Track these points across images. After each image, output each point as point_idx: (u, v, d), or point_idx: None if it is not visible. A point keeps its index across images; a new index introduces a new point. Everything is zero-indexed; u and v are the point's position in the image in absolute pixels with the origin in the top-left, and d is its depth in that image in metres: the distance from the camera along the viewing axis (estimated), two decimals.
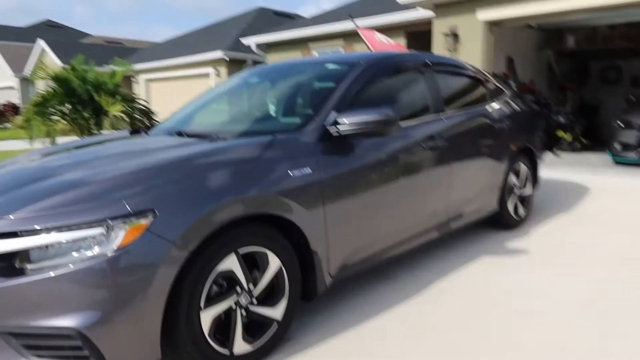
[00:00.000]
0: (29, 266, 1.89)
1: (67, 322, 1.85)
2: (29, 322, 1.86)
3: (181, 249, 2.00)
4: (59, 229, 1.90)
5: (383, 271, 3.46)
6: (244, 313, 2.30)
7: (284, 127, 2.90)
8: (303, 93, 3.34)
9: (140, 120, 8.00)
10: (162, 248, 1.96)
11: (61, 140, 7.88)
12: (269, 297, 2.42)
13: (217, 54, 16.27)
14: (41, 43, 24.59)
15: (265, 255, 2.35)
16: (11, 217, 1.95)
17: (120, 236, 1.91)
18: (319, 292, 2.62)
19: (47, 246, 1.89)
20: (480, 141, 3.92)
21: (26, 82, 26.64)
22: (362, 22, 10.65)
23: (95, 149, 3.01)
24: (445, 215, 3.54)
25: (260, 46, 14.57)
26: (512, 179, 4.39)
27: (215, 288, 2.21)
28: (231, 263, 2.21)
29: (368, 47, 7.28)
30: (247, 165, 2.34)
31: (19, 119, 14.90)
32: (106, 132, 7.58)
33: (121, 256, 1.89)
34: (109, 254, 1.88)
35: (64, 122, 7.70)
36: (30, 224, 1.91)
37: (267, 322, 2.39)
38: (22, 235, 1.90)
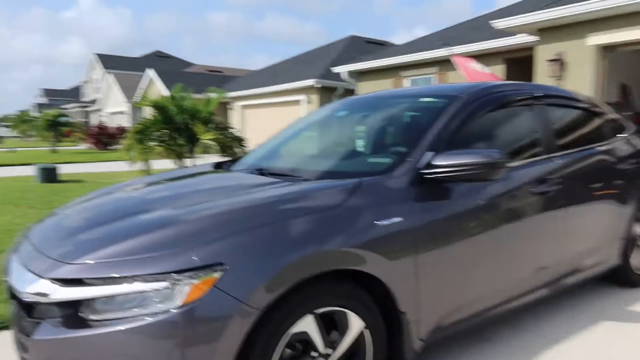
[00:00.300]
0: (92, 317, 1.76)
1: None
2: None
3: (251, 309, 1.78)
4: (123, 279, 1.75)
5: (479, 331, 3.02)
6: None
7: (372, 168, 2.62)
8: (394, 129, 3.05)
9: (230, 147, 8.13)
10: (230, 307, 1.75)
11: (157, 164, 8.24)
12: None
13: (309, 82, 16.49)
14: (149, 72, 26.53)
15: (346, 316, 2.06)
16: (78, 262, 1.84)
17: (185, 292, 1.72)
18: (406, 358, 2.27)
19: (110, 297, 1.75)
20: (599, 184, 3.38)
21: (135, 107, 28.91)
22: (458, 50, 10.20)
23: (175, 185, 2.92)
24: (556, 270, 3.04)
25: (351, 74, 14.53)
26: (637, 228, 3.75)
27: (288, 351, 1.96)
28: (307, 325, 1.95)
29: (463, 75, 6.86)
30: (328, 213, 2.08)
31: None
32: (195, 162, 7.77)
33: (185, 314, 1.70)
34: (173, 311, 1.70)
35: (161, 148, 8.01)
36: (95, 272, 1.79)
37: None
38: (87, 284, 1.78)
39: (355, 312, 2.07)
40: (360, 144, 3.05)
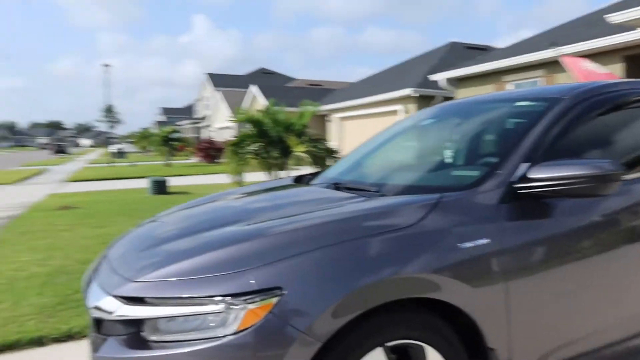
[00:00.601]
0: (153, 337, 1.70)
1: None
2: None
3: (311, 339, 1.61)
4: (180, 300, 1.68)
5: None
6: None
7: (457, 182, 2.35)
8: (484, 138, 2.74)
9: (323, 158, 8.10)
10: (288, 337, 1.59)
11: (251, 176, 8.44)
12: None
13: (406, 91, 16.14)
14: (252, 88, 27.75)
15: (422, 350, 1.82)
16: (140, 280, 1.80)
17: (240, 317, 1.60)
18: None
19: (169, 318, 1.68)
20: None
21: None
22: (567, 49, 9.32)
23: (248, 201, 2.84)
24: None
25: (450, 81, 13.96)
26: None
27: None
28: (376, 359, 1.74)
29: (575, 77, 6.19)
30: (400, 234, 1.85)
31: None
32: (288, 174, 7.82)
33: (239, 341, 1.58)
34: (228, 337, 1.59)
35: (255, 160, 8.20)
36: (154, 292, 1.73)
37: None
38: (147, 303, 1.73)
39: (434, 347, 1.82)
40: (446, 155, 2.77)
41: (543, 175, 1.99)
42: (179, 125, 50.80)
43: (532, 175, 2.01)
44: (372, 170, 3.03)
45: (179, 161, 29.64)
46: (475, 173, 2.22)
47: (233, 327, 1.60)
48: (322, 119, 22.90)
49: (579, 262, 2.12)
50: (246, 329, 1.59)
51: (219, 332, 1.61)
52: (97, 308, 1.86)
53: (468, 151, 2.72)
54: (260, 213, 2.39)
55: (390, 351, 1.76)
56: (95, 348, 1.82)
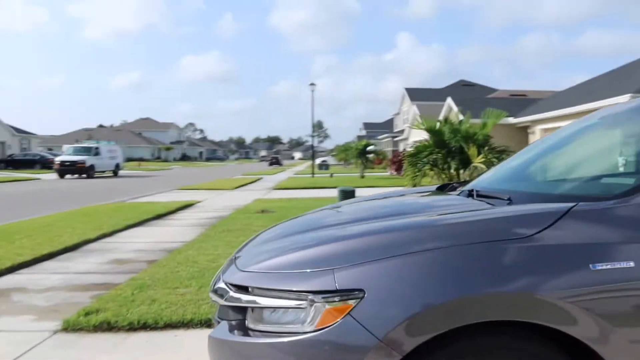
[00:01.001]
0: (251, 325, 1.76)
1: None
2: None
3: (389, 349, 1.48)
4: (271, 292, 1.71)
5: None
6: None
7: (603, 192, 1.91)
8: None
9: None
10: (363, 342, 1.49)
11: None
12: None
13: (623, 97, 13.90)
14: (449, 100, 27.12)
15: None
16: (247, 270, 1.89)
17: (318, 315, 1.56)
18: None
19: (263, 308, 1.73)
20: None
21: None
22: None
23: (374, 205, 2.75)
24: None
25: None
26: None
27: None
28: None
29: None
30: (514, 245, 1.58)
31: None
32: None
33: (314, 340, 1.54)
34: (307, 333, 1.56)
35: (432, 172, 7.97)
36: (254, 282, 1.80)
37: None
38: (249, 292, 1.81)
39: None
40: (601, 165, 2.27)
41: None
42: (378, 139, 52.50)
43: None
44: (513, 178, 2.65)
45: (374, 173, 30.60)
46: (629, 181, 1.78)
47: (312, 325, 1.56)
48: (524, 131, 21.19)
49: None
50: (323, 328, 1.54)
51: (299, 328, 1.59)
52: (214, 292, 2.01)
53: (629, 158, 2.18)
54: (375, 215, 2.30)
55: None
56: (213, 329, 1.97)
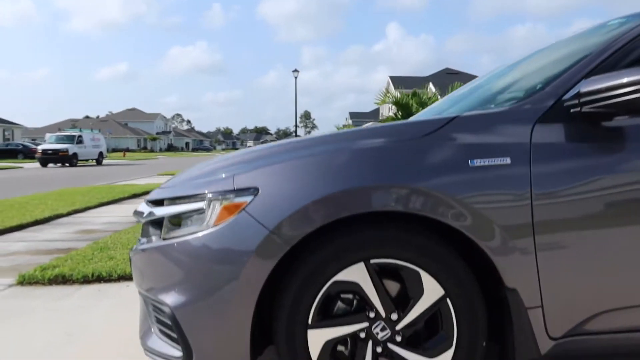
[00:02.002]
0: (164, 237, 1.85)
1: (167, 297, 1.71)
2: (155, 293, 1.80)
3: (280, 240, 1.58)
4: (181, 200, 1.80)
5: None
6: (379, 350, 1.65)
7: (500, 103, 2.03)
8: (551, 64, 2.24)
9: None
10: (256, 234, 1.59)
11: None
12: (426, 340, 1.68)
13: None
14: (430, 86, 27.29)
15: (417, 276, 1.63)
16: (163, 186, 1.98)
17: (216, 213, 1.66)
18: (517, 358, 1.65)
19: (172, 216, 1.81)
20: None
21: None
22: None
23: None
24: None
25: None
26: None
27: (340, 306, 1.67)
28: (357, 274, 1.62)
29: None
30: (400, 145, 1.70)
31: None
32: None
33: (212, 235, 1.64)
34: (202, 231, 1.66)
35: None
36: (168, 193, 1.88)
37: None
38: (163, 205, 1.89)
39: (431, 273, 1.62)
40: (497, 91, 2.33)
41: (601, 85, 1.60)
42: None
43: (587, 88, 1.64)
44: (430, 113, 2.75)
45: None
46: (519, 95, 1.89)
47: (210, 222, 1.66)
48: None
49: None
50: (221, 223, 1.63)
51: (200, 227, 1.68)
52: (135, 213, 2.09)
53: (525, 80, 2.26)
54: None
55: (377, 269, 1.63)
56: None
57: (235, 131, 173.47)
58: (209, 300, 1.61)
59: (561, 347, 1.66)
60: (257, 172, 1.71)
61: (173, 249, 1.71)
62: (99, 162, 31.08)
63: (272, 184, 1.65)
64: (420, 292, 1.63)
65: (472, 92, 2.48)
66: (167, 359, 1.76)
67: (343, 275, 1.62)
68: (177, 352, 1.72)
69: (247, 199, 1.64)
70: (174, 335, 1.71)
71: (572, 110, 1.67)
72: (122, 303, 3.22)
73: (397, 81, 43.58)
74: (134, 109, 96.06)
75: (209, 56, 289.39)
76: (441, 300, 1.63)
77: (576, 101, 1.65)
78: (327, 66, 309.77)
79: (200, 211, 1.71)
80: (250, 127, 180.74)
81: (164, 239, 1.79)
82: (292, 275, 1.62)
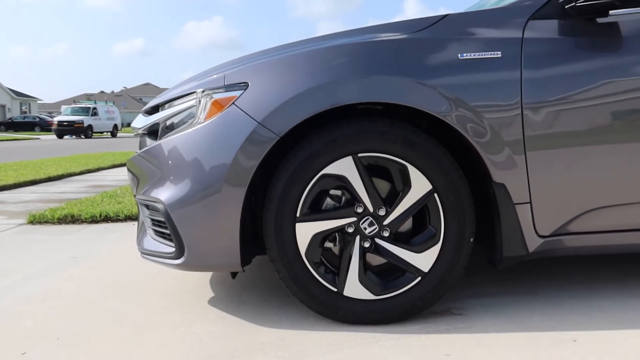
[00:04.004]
0: (161, 138, 1.87)
1: (161, 194, 1.74)
2: (149, 193, 1.83)
3: (269, 131, 1.60)
4: (175, 101, 1.83)
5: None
6: (366, 245, 1.67)
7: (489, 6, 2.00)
8: None
9: None
10: (245, 126, 1.61)
11: None
12: (414, 235, 1.70)
13: None
14: None
15: (405, 170, 1.64)
16: (160, 96, 2.00)
17: (207, 108, 1.68)
18: (505, 254, 1.66)
19: (167, 117, 1.84)
20: None
21: None
22: None
23: None
24: None
25: None
26: None
27: (329, 201, 1.69)
28: (345, 168, 1.63)
29: None
30: (389, 41, 1.69)
31: None
32: None
33: (203, 130, 1.66)
34: (194, 127, 1.68)
35: None
36: (161, 99, 1.91)
37: (405, 270, 1.67)
38: (159, 110, 1.92)
39: (418, 167, 1.62)
40: None
41: None
42: None
43: None
44: None
45: None
46: None
47: (201, 118, 1.68)
48: None
49: None
50: (212, 117, 1.65)
51: (192, 124, 1.70)
52: (132, 127, 2.12)
53: None
54: None
55: (365, 164, 1.64)
56: None
57: None
58: (201, 194, 1.64)
59: (549, 244, 1.66)
60: (247, 67, 1.72)
61: (167, 146, 1.74)
62: (113, 134, 31.40)
63: (261, 79, 1.66)
64: (408, 186, 1.64)
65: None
66: (161, 256, 1.80)
67: (331, 169, 1.63)
68: (170, 249, 1.76)
69: (237, 93, 1.65)
70: (168, 232, 1.75)
71: (567, 6, 1.64)
72: (127, 237, 3.29)
73: None
74: (148, 84, 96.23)
75: (225, 31, 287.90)
76: (429, 195, 1.64)
77: None
78: None
79: (192, 109, 1.73)
80: None
81: (165, 136, 1.81)
82: (281, 169, 1.64)
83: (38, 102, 52.91)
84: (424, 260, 1.65)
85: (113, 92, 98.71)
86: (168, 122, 1.83)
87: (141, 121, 2.02)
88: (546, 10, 1.67)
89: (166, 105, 1.86)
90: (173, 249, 1.74)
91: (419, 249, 1.66)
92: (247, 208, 1.70)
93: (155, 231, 1.87)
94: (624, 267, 2.23)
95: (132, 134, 36.16)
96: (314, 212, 1.67)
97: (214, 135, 1.64)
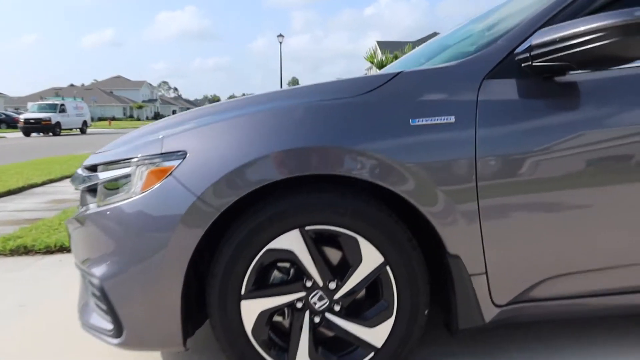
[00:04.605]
0: (98, 204, 1.75)
1: (96, 268, 1.62)
2: (87, 264, 1.71)
3: (207, 207, 1.49)
4: (112, 166, 1.70)
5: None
6: (316, 320, 1.58)
7: (454, 58, 1.92)
8: (511, 17, 2.14)
9: None
10: (183, 201, 1.50)
11: None
12: (366, 309, 1.62)
13: None
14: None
15: (355, 242, 1.55)
16: (97, 152, 1.87)
17: (143, 178, 1.56)
18: (461, 326, 1.60)
19: (103, 182, 1.71)
20: None
21: None
22: None
23: None
24: None
25: None
26: None
27: (276, 274, 1.60)
28: (292, 242, 1.55)
29: None
30: (336, 104, 1.59)
31: None
32: None
33: (139, 202, 1.54)
34: (130, 198, 1.56)
35: None
36: (98, 159, 1.78)
37: (358, 345, 1.60)
38: (96, 170, 1.79)
39: (369, 239, 1.54)
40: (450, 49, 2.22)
41: (555, 35, 1.49)
42: None
43: (540, 39, 1.52)
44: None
45: None
46: (470, 49, 1.78)
47: (138, 189, 1.56)
48: None
49: (598, 163, 1.56)
50: (148, 189, 1.54)
51: (128, 194, 1.58)
52: (72, 179, 1.98)
53: (481, 33, 2.14)
54: None
55: (313, 236, 1.55)
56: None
57: (223, 98, 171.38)
58: (138, 270, 1.53)
59: (507, 313, 1.61)
60: (186, 134, 1.60)
61: (103, 217, 1.62)
62: (83, 131, 30.58)
63: (200, 147, 1.55)
64: (358, 259, 1.56)
65: (430, 49, 2.36)
66: (101, 332, 1.68)
67: (277, 243, 1.54)
68: (110, 325, 1.64)
69: (174, 163, 1.54)
70: (105, 308, 1.63)
71: (523, 65, 1.57)
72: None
73: (385, 46, 42.94)
74: (119, 77, 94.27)
75: (197, 21, 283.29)
76: (381, 267, 1.56)
77: (527, 54, 1.54)
78: (318, 31, 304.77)
79: (129, 177, 1.61)
80: (238, 94, 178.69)
81: (98, 207, 1.69)
82: (224, 243, 1.54)
83: (4, 97, 51.13)
84: (377, 334, 1.58)
85: (83, 85, 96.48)
86: (108, 186, 1.70)
87: (79, 180, 1.88)
88: (502, 68, 1.60)
89: (102, 168, 1.73)
90: (112, 326, 1.63)
91: (371, 323, 1.58)
92: (192, 278, 1.60)
93: (97, 303, 1.75)
94: (586, 326, 2.19)
95: (103, 130, 35.32)
96: (260, 287, 1.57)
97: (151, 208, 1.53)
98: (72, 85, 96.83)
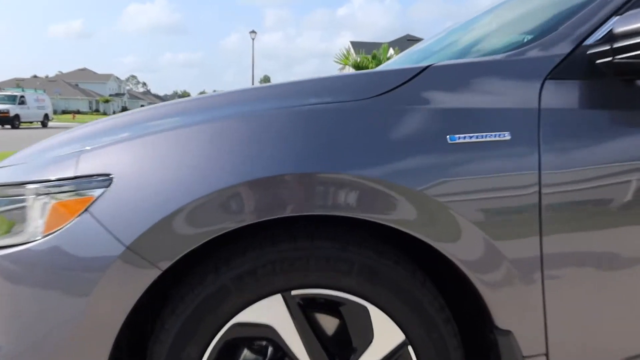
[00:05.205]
0: None
1: None
2: None
3: (144, 261, 0.97)
4: (9, 190, 1.15)
5: None
6: None
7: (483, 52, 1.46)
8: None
9: None
10: (106, 251, 0.97)
11: None
12: None
13: None
14: (390, 51, 26.71)
15: (365, 313, 1.06)
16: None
17: (46, 214, 1.02)
18: None
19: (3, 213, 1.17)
20: None
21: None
22: None
23: None
24: None
25: None
26: None
27: (248, 356, 1.09)
28: (271, 314, 1.04)
29: None
30: (338, 108, 1.08)
31: None
32: None
33: (41, 248, 1.00)
34: (28, 244, 1.02)
35: None
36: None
37: None
38: None
39: (384, 309, 1.05)
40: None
41: None
42: None
43: (625, 26, 1.07)
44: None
45: None
46: (517, 38, 1.31)
47: (40, 227, 1.02)
48: None
49: None
50: (55, 231, 1.00)
51: (25, 236, 1.04)
52: None
53: (524, 19, 1.67)
54: None
55: (301, 304, 1.05)
56: None
57: (194, 94, 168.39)
58: (41, 349, 1.00)
59: None
60: (114, 148, 1.07)
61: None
62: (44, 124, 29.18)
63: (133, 170, 1.02)
64: (368, 337, 1.06)
65: (447, 41, 1.88)
66: None
67: (248, 316, 1.03)
68: None
69: (94, 193, 1.00)
70: None
71: (598, 61, 1.11)
72: None
73: (358, 46, 42.72)
74: (84, 69, 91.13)
75: (168, 15, 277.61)
76: (399, 348, 1.07)
77: (607, 47, 1.08)
78: (291, 30, 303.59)
79: (24, 210, 1.07)
80: (209, 90, 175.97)
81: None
82: (170, 314, 1.03)
83: None
84: None
85: (47, 76, 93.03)
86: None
87: None
88: (568, 65, 1.13)
89: None
90: None
91: None
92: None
93: None
94: None
95: (66, 123, 33.71)
96: None
97: (57, 261, 0.99)
98: (35, 76, 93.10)
